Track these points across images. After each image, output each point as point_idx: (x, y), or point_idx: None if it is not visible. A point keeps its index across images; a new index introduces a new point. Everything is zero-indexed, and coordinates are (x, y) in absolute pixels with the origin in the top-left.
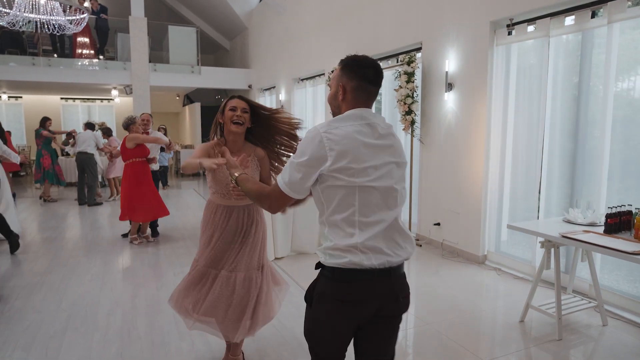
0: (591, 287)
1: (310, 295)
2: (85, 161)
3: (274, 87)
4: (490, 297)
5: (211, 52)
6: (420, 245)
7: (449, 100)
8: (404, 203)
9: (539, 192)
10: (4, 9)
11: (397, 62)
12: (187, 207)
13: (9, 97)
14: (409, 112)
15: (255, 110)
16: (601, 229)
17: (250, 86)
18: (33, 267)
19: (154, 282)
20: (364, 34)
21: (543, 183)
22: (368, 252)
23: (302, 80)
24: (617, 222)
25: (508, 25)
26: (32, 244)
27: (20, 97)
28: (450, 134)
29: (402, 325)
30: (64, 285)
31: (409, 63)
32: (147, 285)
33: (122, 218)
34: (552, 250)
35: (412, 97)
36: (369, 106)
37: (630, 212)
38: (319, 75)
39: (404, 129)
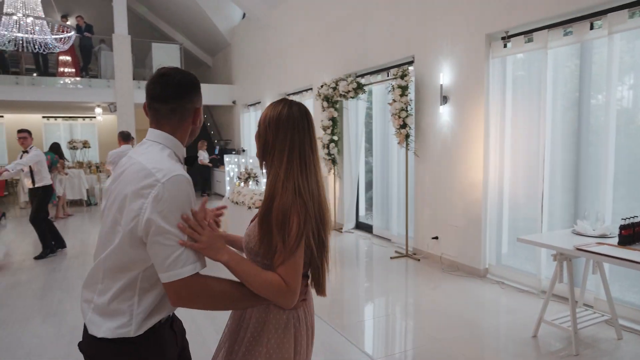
0: (597, 299)
1: None
2: None
3: (259, 103)
4: (496, 311)
5: (193, 69)
6: (419, 260)
7: (445, 113)
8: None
9: (542, 204)
10: None
11: (388, 75)
12: None
13: None
14: (404, 125)
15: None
16: (613, 241)
17: (234, 102)
18: (27, 289)
19: None
20: (352, 47)
21: (545, 194)
22: None
23: (289, 95)
24: (631, 234)
25: (503, 38)
26: (24, 265)
27: (2, 116)
28: (446, 147)
29: (410, 342)
30: (61, 308)
31: (402, 77)
32: None
33: None
34: (565, 263)
35: (407, 111)
36: (159, 126)
37: None
38: (307, 90)
39: (398, 143)
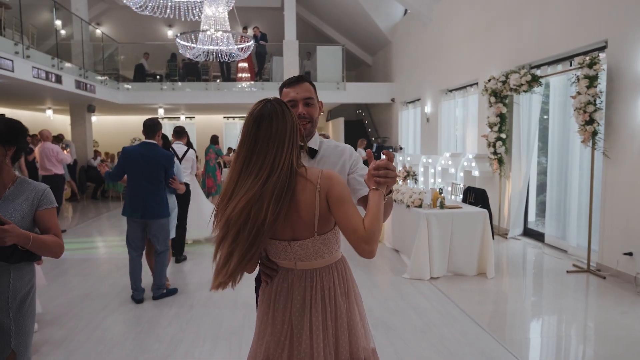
0: None
1: None
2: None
3: (418, 100)
4: None
5: (353, 68)
6: (604, 278)
7: None
8: None
9: None
10: (190, 44)
11: (571, 65)
12: None
13: (186, 117)
14: (591, 121)
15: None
16: None
17: (393, 100)
18: (207, 266)
19: None
20: (525, 36)
21: None
22: None
23: (451, 91)
24: None
25: None
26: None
27: (194, 117)
28: None
29: None
30: (238, 285)
31: (590, 65)
32: None
33: None
34: None
35: (595, 105)
36: None
37: None
38: (471, 85)
39: (582, 141)
